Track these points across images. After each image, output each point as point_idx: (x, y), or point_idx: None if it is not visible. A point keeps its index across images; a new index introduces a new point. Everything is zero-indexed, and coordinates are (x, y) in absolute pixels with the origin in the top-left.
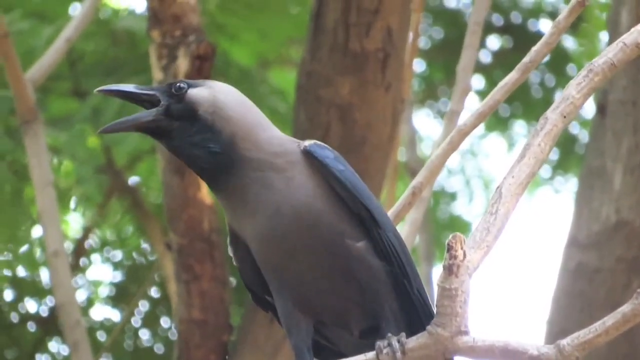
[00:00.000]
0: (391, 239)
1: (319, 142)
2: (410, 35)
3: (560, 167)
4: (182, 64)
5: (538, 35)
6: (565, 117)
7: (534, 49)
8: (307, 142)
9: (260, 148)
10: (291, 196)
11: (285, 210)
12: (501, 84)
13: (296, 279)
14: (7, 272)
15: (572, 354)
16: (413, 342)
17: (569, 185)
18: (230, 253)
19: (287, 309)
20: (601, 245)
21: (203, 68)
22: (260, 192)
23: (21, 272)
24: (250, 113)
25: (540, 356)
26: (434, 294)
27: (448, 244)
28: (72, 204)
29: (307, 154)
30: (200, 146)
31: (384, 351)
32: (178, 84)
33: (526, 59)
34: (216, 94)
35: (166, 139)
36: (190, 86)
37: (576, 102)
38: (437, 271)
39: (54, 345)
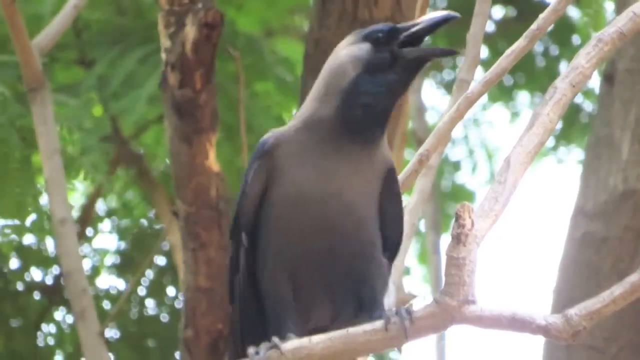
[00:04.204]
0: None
1: None
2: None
3: (564, 137)
4: (190, 32)
5: (542, 5)
6: (574, 86)
7: (542, 16)
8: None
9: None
10: (360, 196)
11: (346, 200)
12: (508, 51)
13: (305, 250)
14: (14, 238)
15: (580, 324)
16: (421, 311)
17: (572, 155)
18: (250, 174)
19: (280, 276)
20: (608, 215)
21: (211, 36)
22: (347, 174)
23: (27, 240)
24: None
25: (548, 326)
26: (441, 263)
27: (456, 213)
28: (81, 174)
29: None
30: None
31: (392, 320)
32: None
33: (534, 26)
34: None
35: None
36: None
37: (585, 71)
38: (444, 241)
39: (59, 314)
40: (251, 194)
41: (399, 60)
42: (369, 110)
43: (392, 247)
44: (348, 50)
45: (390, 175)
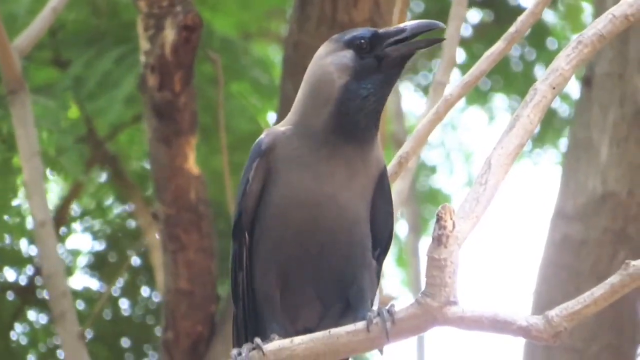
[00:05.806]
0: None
1: None
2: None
3: (539, 139)
4: (169, 34)
5: (518, 9)
6: (554, 88)
7: (520, 19)
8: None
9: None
10: (354, 198)
11: (340, 203)
12: (487, 53)
13: (297, 249)
14: None
15: (561, 325)
16: (403, 312)
17: (548, 156)
18: (251, 173)
19: (270, 276)
20: (587, 217)
21: (191, 39)
22: (342, 178)
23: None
24: None
25: (529, 327)
26: (420, 265)
27: (438, 215)
28: (57, 173)
29: (383, 169)
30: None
31: (374, 321)
32: None
33: (512, 28)
34: None
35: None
36: None
37: (565, 73)
38: (424, 243)
39: (32, 314)
40: (252, 193)
41: (385, 60)
42: (362, 114)
43: (382, 246)
44: (332, 59)
45: (382, 177)
